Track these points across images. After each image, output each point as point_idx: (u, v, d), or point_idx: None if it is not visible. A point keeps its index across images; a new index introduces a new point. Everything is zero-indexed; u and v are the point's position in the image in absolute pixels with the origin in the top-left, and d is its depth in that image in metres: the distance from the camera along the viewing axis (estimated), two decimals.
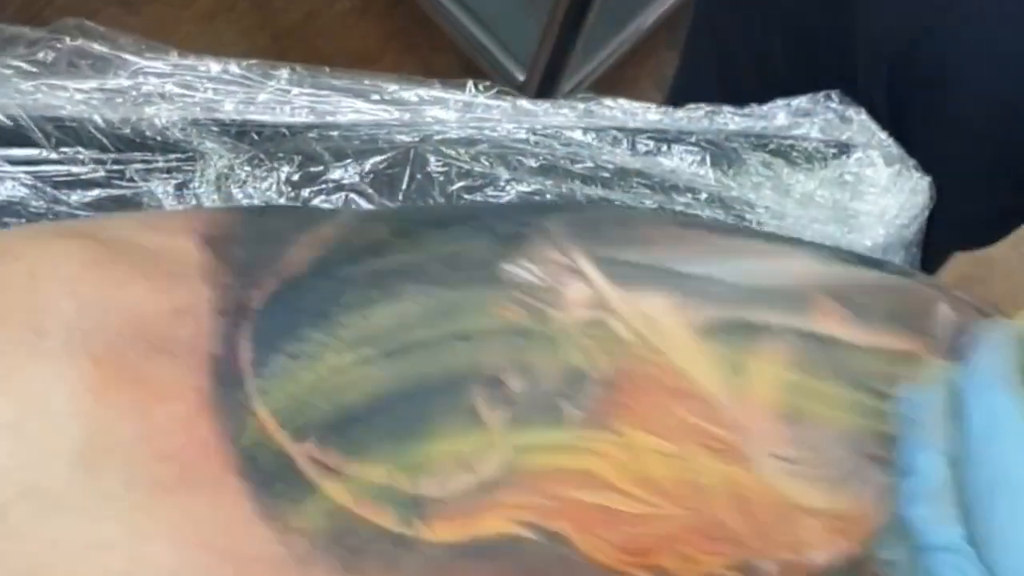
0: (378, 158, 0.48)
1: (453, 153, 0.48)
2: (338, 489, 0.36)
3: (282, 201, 0.47)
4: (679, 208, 0.49)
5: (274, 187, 0.47)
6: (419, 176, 0.48)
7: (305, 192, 0.47)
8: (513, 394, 0.37)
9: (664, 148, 0.50)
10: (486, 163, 0.48)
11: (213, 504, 0.35)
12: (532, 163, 0.49)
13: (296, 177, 0.47)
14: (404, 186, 0.48)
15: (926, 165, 0.52)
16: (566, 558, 0.36)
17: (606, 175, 0.48)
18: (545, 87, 1.27)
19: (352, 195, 0.48)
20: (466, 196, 0.48)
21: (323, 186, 0.47)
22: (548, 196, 0.48)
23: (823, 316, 0.40)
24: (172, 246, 0.39)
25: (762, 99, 0.52)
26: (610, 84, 1.36)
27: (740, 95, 0.54)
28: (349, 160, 0.48)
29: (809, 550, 0.38)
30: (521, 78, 1.29)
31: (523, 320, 0.39)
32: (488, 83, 0.50)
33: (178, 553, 0.34)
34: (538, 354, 0.38)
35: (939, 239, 0.54)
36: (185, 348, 0.36)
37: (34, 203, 0.45)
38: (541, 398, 0.38)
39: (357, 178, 0.48)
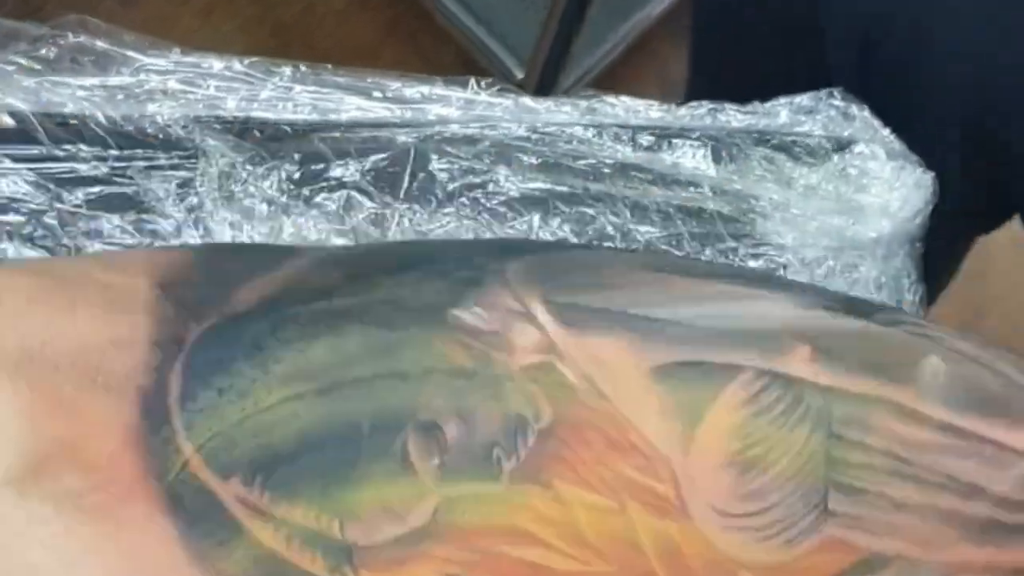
0: (380, 156, 0.48)
1: (455, 150, 0.48)
2: (266, 532, 0.35)
3: (284, 199, 0.47)
4: (679, 202, 0.49)
5: (276, 185, 0.47)
6: (421, 174, 0.48)
7: (306, 191, 0.47)
8: (447, 442, 0.37)
9: (666, 144, 0.50)
10: (488, 160, 0.48)
11: (141, 544, 0.35)
12: (534, 160, 0.49)
13: (298, 175, 0.47)
14: (406, 184, 0.48)
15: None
16: None
17: (608, 171, 0.48)
18: (544, 83, 1.27)
19: (354, 193, 0.48)
20: (467, 193, 0.48)
21: (325, 184, 0.47)
22: (549, 193, 0.48)
23: (793, 360, 0.38)
24: (122, 283, 0.38)
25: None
26: (610, 80, 1.36)
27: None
28: (351, 158, 0.48)
29: None
30: (520, 74, 1.29)
31: (466, 363, 0.37)
32: (490, 80, 0.50)
33: None
34: (478, 398, 0.37)
35: (948, 235, 0.53)
36: (119, 381, 0.36)
37: (36, 200, 0.45)
38: (476, 447, 0.37)
39: (359, 176, 0.48)
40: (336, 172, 0.48)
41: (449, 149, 0.48)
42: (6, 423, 0.35)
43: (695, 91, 0.78)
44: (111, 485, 0.35)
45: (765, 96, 0.53)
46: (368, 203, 0.47)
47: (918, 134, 0.54)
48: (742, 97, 0.54)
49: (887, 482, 0.37)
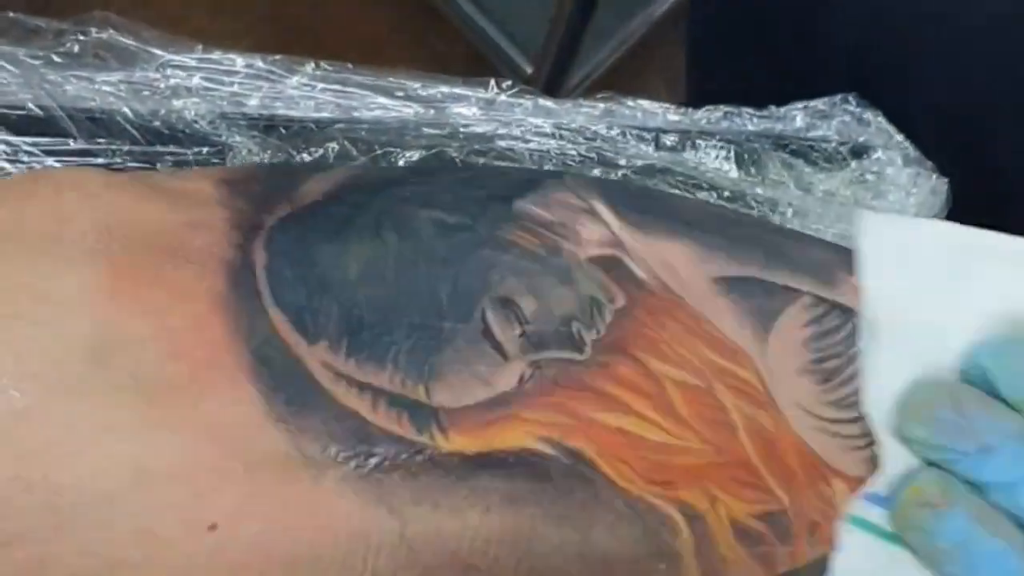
0: (408, 156, 0.48)
1: (478, 148, 0.49)
2: (350, 395, 0.36)
3: None
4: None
5: None
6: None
7: None
8: (525, 315, 0.37)
9: (689, 145, 0.50)
10: (510, 160, 0.49)
11: (224, 403, 0.35)
12: (556, 161, 0.49)
13: None
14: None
15: None
16: (588, 478, 0.36)
17: (631, 172, 0.49)
18: (553, 79, 1.27)
19: None
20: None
21: None
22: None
23: (846, 289, 0.39)
24: (190, 186, 0.40)
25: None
26: (618, 76, 1.36)
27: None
28: (380, 158, 0.48)
29: (836, 516, 0.36)
30: (529, 70, 1.29)
31: (534, 248, 0.38)
32: (510, 82, 0.50)
33: (187, 443, 0.34)
34: (550, 281, 0.37)
35: None
36: (200, 255, 0.37)
37: None
38: (555, 321, 0.37)
39: None
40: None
41: (471, 147, 0.49)
42: (83, 297, 0.35)
43: (693, 87, 0.79)
44: (196, 348, 0.35)
45: (761, 97, 0.54)
46: None
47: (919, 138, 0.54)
48: (739, 97, 0.54)
49: None
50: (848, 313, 0.38)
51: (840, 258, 0.41)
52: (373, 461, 0.35)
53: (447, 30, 1.39)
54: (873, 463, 0.36)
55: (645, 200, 0.40)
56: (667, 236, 0.39)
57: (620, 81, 1.36)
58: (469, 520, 0.35)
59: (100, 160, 0.45)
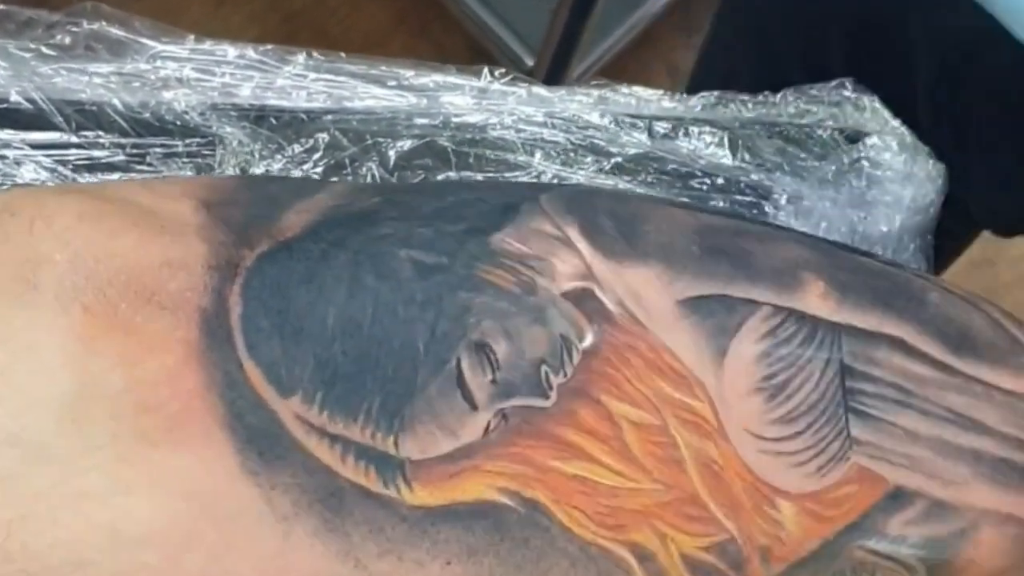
0: (399, 146, 0.48)
1: (470, 138, 0.48)
2: (322, 447, 0.36)
3: None
4: (695, 194, 0.49)
5: (297, 175, 0.47)
6: (439, 163, 0.48)
7: (323, 178, 0.47)
8: (498, 359, 0.37)
9: (682, 132, 0.50)
10: (502, 149, 0.49)
11: (198, 457, 0.35)
12: (548, 149, 0.49)
13: (320, 168, 0.48)
14: (424, 174, 0.48)
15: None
16: (543, 527, 0.37)
17: (623, 161, 0.49)
18: (555, 71, 1.27)
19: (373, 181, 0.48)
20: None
21: (347, 175, 0.48)
22: (565, 182, 0.49)
23: (808, 295, 0.40)
24: (168, 207, 0.39)
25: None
26: (620, 68, 1.36)
27: (778, 86, 0.53)
28: (371, 149, 0.48)
29: (785, 535, 0.38)
30: (530, 62, 1.29)
31: (511, 286, 0.38)
32: (503, 70, 0.50)
33: (160, 506, 0.34)
34: (525, 320, 0.38)
35: (957, 226, 0.53)
36: (175, 300, 0.36)
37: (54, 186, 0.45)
38: (525, 365, 0.37)
39: (378, 167, 0.48)
40: (356, 163, 0.48)
41: (464, 137, 0.48)
42: (58, 346, 0.35)
43: (702, 74, 0.78)
44: (170, 400, 0.35)
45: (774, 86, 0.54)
46: None
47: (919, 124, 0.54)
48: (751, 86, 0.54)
49: (897, 412, 0.39)
50: (803, 320, 0.39)
51: (811, 255, 0.41)
52: (342, 516, 0.36)
53: (449, 23, 1.38)
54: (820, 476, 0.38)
55: (621, 221, 0.41)
56: (638, 261, 0.40)
57: (621, 73, 1.35)
58: (431, 573, 0.36)
59: (89, 152, 0.45)
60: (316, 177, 0.47)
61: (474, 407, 0.37)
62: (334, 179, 0.47)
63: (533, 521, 0.37)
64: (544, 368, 0.38)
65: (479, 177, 0.49)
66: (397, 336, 0.37)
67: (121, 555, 0.34)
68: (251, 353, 0.36)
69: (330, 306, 0.37)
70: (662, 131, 0.50)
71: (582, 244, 0.40)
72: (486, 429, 0.37)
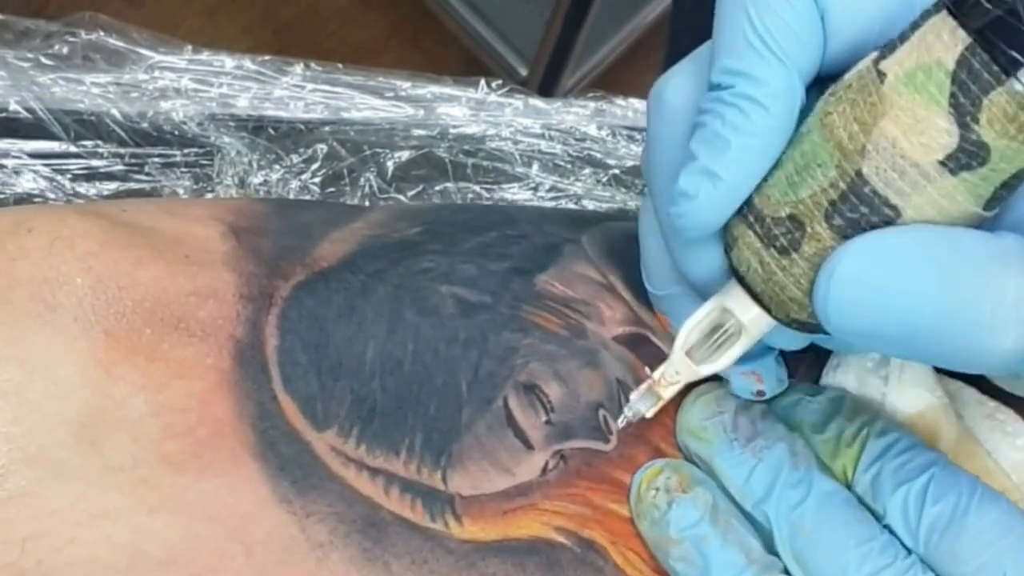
0: (397, 157, 0.48)
1: (467, 149, 0.49)
2: (361, 479, 0.35)
3: (306, 197, 0.47)
4: None
5: (290, 182, 0.47)
6: (436, 174, 0.48)
7: (321, 188, 0.47)
8: (552, 401, 0.37)
9: None
10: (500, 160, 0.49)
11: (225, 483, 0.34)
12: (546, 161, 0.49)
13: (318, 178, 0.48)
14: (421, 185, 0.48)
15: None
16: (598, 567, 0.36)
17: (620, 173, 0.49)
18: (548, 82, 1.27)
19: (372, 196, 0.48)
20: (481, 192, 0.49)
21: (345, 186, 0.48)
22: (562, 193, 0.49)
23: None
24: (194, 233, 0.38)
25: None
26: (614, 79, 1.36)
27: None
28: (368, 159, 0.48)
29: None
30: (524, 72, 1.30)
31: (559, 330, 0.38)
32: (500, 82, 0.50)
33: (185, 528, 0.33)
34: (576, 364, 0.38)
35: None
36: (205, 328, 0.36)
37: (52, 196, 0.45)
38: (582, 408, 0.38)
39: (376, 177, 0.48)
40: (355, 173, 0.48)
41: (461, 148, 0.49)
42: (77, 368, 0.34)
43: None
44: (198, 427, 0.34)
45: None
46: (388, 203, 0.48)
47: None
48: None
49: None
50: None
51: None
52: (383, 546, 0.35)
53: (442, 34, 1.39)
54: None
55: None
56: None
57: (615, 84, 1.36)
58: None
59: (88, 161, 0.45)
60: (315, 186, 0.48)
61: (529, 447, 0.37)
62: (367, 204, 0.47)
63: (588, 561, 0.36)
64: (602, 412, 0.38)
65: (477, 188, 0.49)
66: (439, 374, 0.37)
67: None
68: (287, 387, 0.36)
69: (370, 341, 0.37)
70: None
71: (627, 295, 0.40)
72: (544, 469, 0.37)
